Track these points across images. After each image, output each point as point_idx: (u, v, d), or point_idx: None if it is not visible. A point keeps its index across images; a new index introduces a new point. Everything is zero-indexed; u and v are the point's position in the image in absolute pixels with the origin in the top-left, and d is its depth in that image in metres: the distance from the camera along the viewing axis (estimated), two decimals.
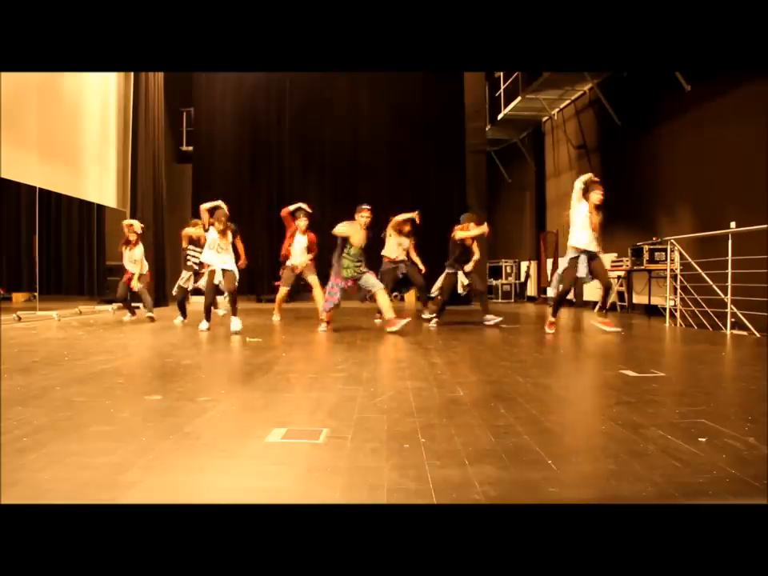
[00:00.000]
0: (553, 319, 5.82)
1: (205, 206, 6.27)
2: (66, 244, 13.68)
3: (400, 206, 8.14)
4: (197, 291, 7.25)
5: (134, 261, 7.69)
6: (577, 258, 5.64)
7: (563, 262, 5.87)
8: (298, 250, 7.48)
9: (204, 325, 6.17)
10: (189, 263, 7.16)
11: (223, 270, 6.09)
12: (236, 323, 5.86)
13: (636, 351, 4.45)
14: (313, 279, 7.49)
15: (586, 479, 1.65)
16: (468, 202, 11.42)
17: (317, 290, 7.26)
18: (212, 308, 6.39)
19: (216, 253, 6.14)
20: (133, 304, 7.90)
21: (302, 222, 7.48)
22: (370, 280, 5.91)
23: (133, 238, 7.66)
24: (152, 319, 7.35)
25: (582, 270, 5.61)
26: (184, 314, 7.17)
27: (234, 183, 11.97)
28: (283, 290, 7.48)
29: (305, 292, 7.74)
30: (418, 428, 2.20)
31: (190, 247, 7.19)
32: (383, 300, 5.88)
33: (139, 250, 7.73)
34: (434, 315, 6.79)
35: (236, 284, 6.14)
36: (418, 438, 2.06)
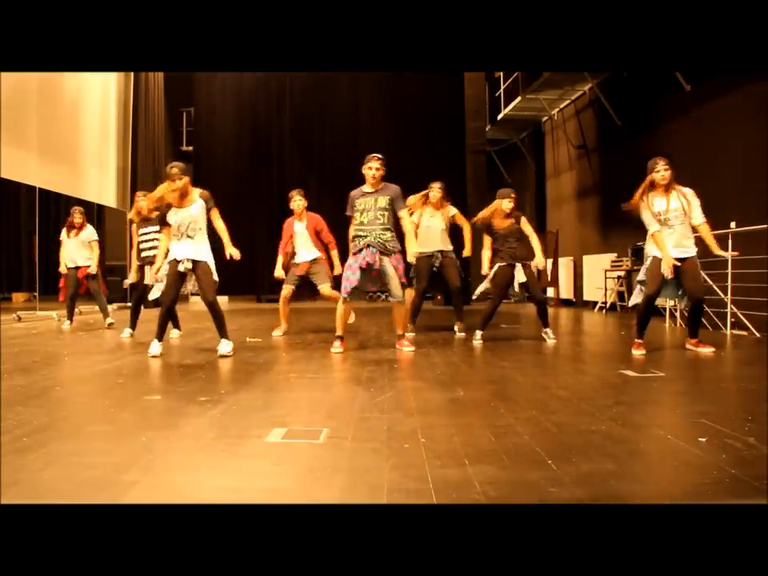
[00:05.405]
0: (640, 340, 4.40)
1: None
2: None
3: None
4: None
5: (88, 242, 6.60)
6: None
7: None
8: (302, 243, 5.55)
9: (156, 347, 4.13)
10: (143, 250, 5.41)
11: (194, 263, 4.06)
12: (225, 345, 4.11)
13: None
14: (325, 289, 5.47)
15: (585, 479, 1.65)
16: (468, 202, 11.42)
17: (338, 304, 4.69)
18: (169, 321, 4.43)
19: (179, 240, 4.06)
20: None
21: (297, 203, 5.54)
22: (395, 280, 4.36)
23: (79, 220, 6.56)
24: (111, 326, 6.34)
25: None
26: (133, 323, 5.54)
27: (234, 183, 11.97)
28: (286, 289, 5.56)
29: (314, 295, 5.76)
30: (418, 428, 2.20)
31: (141, 232, 5.44)
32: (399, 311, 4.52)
33: (89, 230, 6.65)
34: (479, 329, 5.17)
35: (215, 288, 4.10)
36: (418, 438, 2.06)
